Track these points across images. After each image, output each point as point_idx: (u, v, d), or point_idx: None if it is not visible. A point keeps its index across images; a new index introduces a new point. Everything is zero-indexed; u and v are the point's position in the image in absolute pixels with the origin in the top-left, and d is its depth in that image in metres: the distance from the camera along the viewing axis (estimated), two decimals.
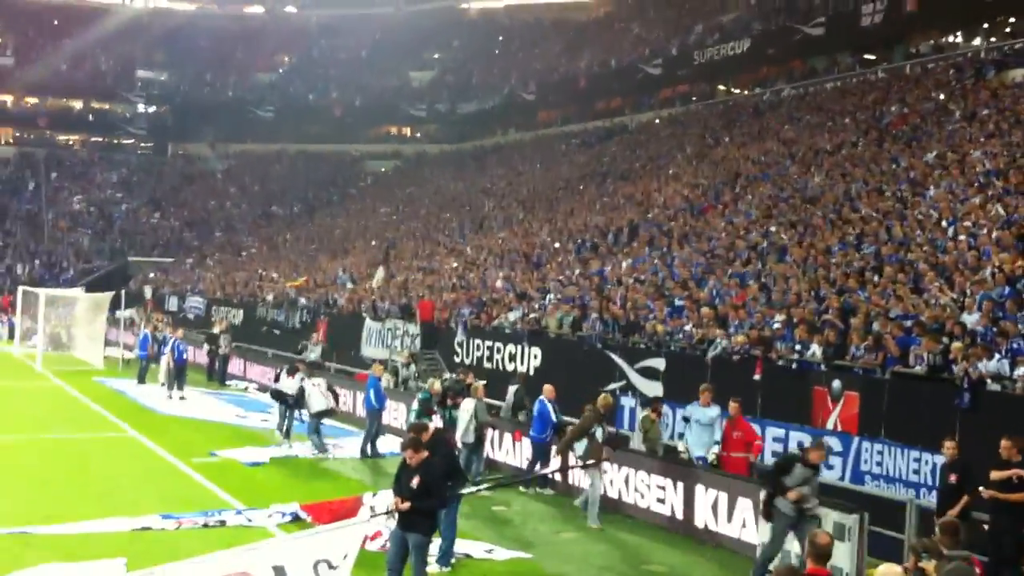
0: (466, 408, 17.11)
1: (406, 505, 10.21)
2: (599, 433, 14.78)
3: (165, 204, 66.43)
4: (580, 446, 14.79)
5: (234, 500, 15.46)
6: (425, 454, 10.64)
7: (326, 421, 20.53)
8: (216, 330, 31.93)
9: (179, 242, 62.20)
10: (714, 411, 15.24)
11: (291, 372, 20.96)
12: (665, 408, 17.25)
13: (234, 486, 16.47)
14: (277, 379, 21.82)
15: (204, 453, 19.16)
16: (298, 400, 20.32)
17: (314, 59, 76.83)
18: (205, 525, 13.83)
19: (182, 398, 26.53)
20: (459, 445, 16.41)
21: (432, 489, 10.36)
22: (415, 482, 10.32)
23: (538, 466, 16.97)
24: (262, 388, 28.52)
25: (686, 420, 15.52)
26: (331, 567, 10.03)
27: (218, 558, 9.79)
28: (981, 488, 11.17)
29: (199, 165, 72.14)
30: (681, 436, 15.43)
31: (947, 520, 8.00)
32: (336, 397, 20.65)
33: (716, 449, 15.01)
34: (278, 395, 20.82)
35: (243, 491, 16.04)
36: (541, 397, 17.12)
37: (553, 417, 16.84)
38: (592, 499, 14.58)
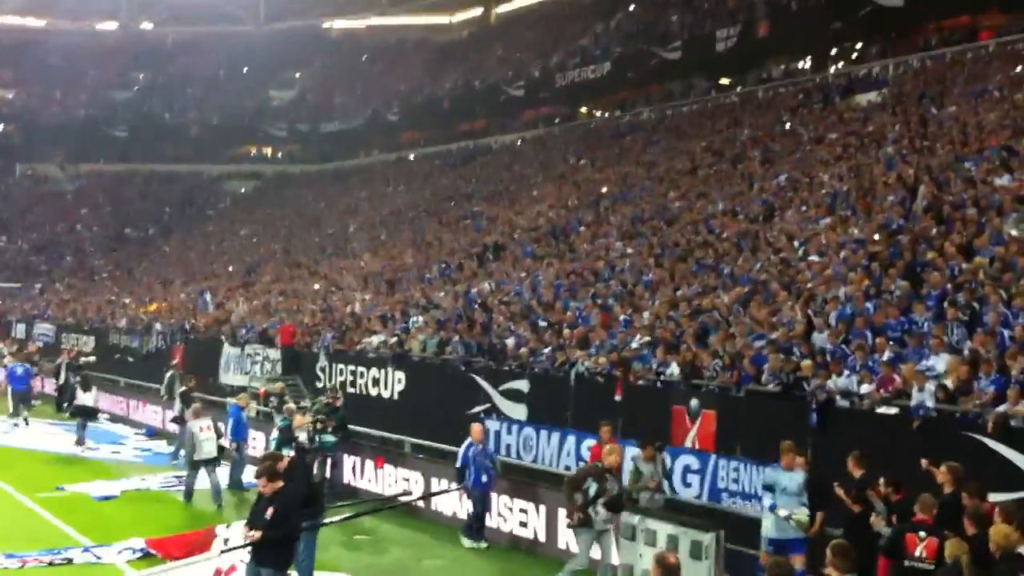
0: (207, 424, 17.80)
1: (257, 534, 9.91)
2: (593, 489, 12.19)
3: (12, 226, 63.62)
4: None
5: (82, 537, 14.87)
6: (280, 484, 10.37)
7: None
8: (59, 360, 30.59)
9: (27, 266, 59.61)
10: (800, 475, 11.80)
11: (86, 388, 23.40)
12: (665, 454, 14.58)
13: (82, 522, 15.87)
14: (73, 396, 24.48)
15: (51, 487, 18.39)
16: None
17: (170, 77, 74.79)
18: (51, 563, 13.29)
19: (15, 425, 25.69)
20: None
21: (286, 519, 10.08)
22: (269, 512, 10.04)
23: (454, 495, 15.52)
24: (114, 419, 27.66)
25: (769, 489, 11.92)
26: None
27: None
28: (836, 484, 11.38)
29: (48, 186, 69.38)
30: (772, 508, 11.74)
31: (838, 543, 8.01)
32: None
33: (804, 514, 11.63)
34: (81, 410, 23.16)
35: (92, 527, 15.48)
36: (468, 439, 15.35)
37: (458, 462, 15.17)
38: (569, 569, 12.32)
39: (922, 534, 9.20)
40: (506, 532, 14.94)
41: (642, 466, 13.72)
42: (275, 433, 18.19)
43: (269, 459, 11.46)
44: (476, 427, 15.56)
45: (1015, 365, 12.55)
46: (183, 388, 22.62)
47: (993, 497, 10.39)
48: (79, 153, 69.05)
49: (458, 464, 15.15)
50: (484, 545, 14.85)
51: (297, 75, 75.22)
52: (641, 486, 13.62)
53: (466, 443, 15.14)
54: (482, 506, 15.02)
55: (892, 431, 12.96)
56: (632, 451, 14.35)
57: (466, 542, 14.97)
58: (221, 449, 18.11)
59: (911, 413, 12.92)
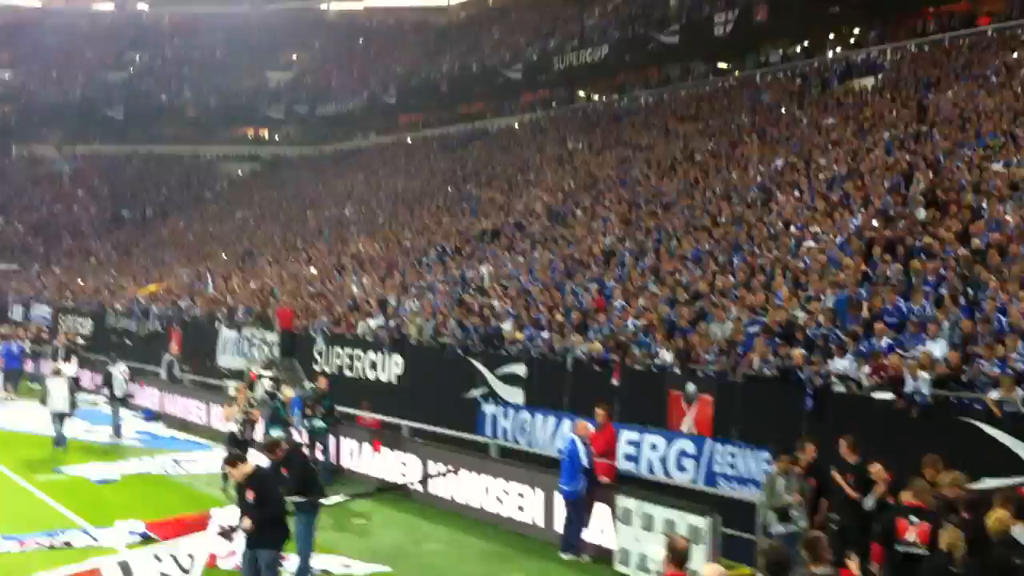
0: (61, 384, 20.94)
1: (247, 523, 10.04)
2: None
3: (9, 208, 63.43)
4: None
5: (81, 519, 14.94)
6: (248, 467, 10.51)
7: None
8: (55, 342, 30.72)
9: (24, 247, 59.54)
10: None
11: (67, 358, 25.23)
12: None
13: (81, 504, 15.98)
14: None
15: (48, 470, 18.44)
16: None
17: (167, 58, 74.48)
18: (51, 546, 13.35)
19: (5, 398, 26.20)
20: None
21: (266, 499, 10.18)
22: (249, 496, 10.18)
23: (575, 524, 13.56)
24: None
25: None
26: (176, 560, 9.84)
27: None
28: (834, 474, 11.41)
29: (45, 167, 69.22)
30: None
31: (810, 536, 7.86)
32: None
33: None
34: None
35: (91, 510, 15.58)
36: (571, 435, 14.04)
37: (583, 460, 13.41)
38: None
39: (913, 518, 9.25)
40: (504, 517, 14.99)
41: (777, 481, 11.78)
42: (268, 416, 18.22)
43: (268, 448, 11.83)
44: (582, 423, 14.26)
45: (1010, 350, 12.57)
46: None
47: (988, 482, 10.47)
48: (76, 134, 68.88)
49: (584, 464, 13.40)
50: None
51: (294, 57, 74.90)
52: (778, 502, 11.66)
53: (580, 439, 13.62)
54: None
55: (888, 416, 13.01)
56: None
57: (566, 556, 13.45)
58: (74, 405, 21.47)
59: (907, 399, 12.96)
